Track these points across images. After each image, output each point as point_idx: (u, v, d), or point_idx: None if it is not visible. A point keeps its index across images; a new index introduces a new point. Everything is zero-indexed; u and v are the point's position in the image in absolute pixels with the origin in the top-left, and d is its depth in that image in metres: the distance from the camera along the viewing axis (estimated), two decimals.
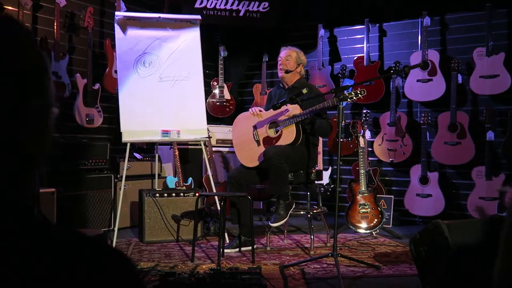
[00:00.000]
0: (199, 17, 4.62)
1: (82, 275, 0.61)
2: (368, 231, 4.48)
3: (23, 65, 0.60)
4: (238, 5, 5.85)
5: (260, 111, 4.18)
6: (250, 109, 4.23)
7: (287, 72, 4.07)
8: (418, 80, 5.16)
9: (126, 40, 4.38)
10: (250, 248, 3.82)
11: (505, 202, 4.45)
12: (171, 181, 4.89)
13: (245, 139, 4.15)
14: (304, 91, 3.71)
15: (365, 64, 5.54)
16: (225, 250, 3.86)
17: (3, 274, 0.57)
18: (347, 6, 5.76)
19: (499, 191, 4.59)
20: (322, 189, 5.41)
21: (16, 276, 0.58)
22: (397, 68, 5.22)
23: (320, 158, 4.82)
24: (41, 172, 0.65)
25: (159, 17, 4.50)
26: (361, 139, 4.69)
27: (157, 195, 4.37)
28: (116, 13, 4.48)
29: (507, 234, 0.67)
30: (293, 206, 3.95)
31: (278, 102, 3.82)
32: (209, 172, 4.63)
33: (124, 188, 4.46)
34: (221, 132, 5.59)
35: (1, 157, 0.59)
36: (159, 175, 4.98)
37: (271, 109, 3.96)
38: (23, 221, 0.63)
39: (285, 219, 3.85)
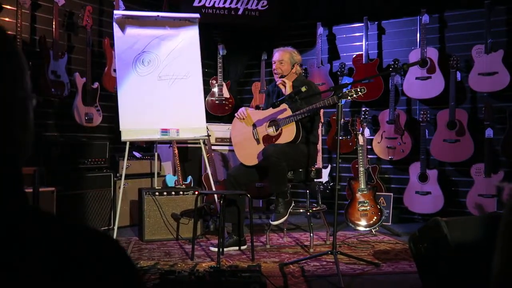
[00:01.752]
0: (197, 15, 4.61)
1: (80, 266, 0.64)
2: (367, 229, 4.48)
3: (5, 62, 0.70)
4: (236, 3, 5.85)
5: (247, 109, 4.19)
6: (236, 114, 4.23)
7: (281, 77, 4.06)
8: (417, 78, 5.16)
9: (125, 39, 4.38)
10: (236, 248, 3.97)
11: (503, 198, 4.45)
12: (171, 180, 4.89)
13: (244, 138, 4.15)
14: (303, 89, 3.71)
15: (364, 62, 5.54)
16: (225, 249, 3.88)
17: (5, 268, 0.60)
18: (345, 4, 5.76)
19: (497, 187, 4.60)
20: (322, 187, 5.41)
21: (18, 269, 0.60)
22: (396, 65, 5.23)
23: (319, 156, 4.82)
24: (25, 159, 0.73)
25: (158, 15, 4.50)
26: (360, 137, 4.70)
27: (157, 193, 4.38)
28: (115, 12, 4.47)
29: (504, 231, 0.67)
30: (292, 204, 3.95)
31: (277, 100, 3.82)
32: (209, 171, 4.63)
33: (124, 187, 4.46)
34: (220, 130, 5.59)
35: None
36: (158, 173, 4.99)
37: (270, 108, 3.96)
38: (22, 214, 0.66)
39: (285, 217, 3.86)
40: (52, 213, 0.70)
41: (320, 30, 5.83)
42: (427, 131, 5.06)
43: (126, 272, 0.69)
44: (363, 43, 5.56)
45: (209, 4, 5.81)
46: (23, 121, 0.72)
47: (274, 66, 4.08)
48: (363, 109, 5.12)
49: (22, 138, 0.71)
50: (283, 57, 4.05)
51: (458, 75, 4.96)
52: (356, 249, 3.99)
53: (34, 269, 0.60)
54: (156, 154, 4.96)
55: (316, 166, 4.18)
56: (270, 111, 4.01)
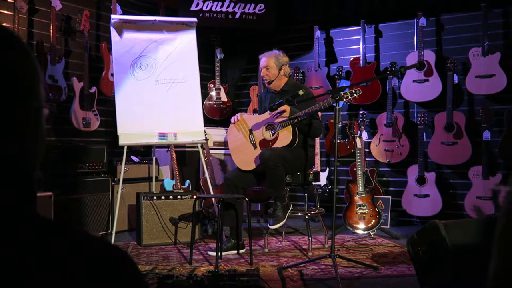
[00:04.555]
0: (195, 19, 4.62)
1: (86, 274, 0.64)
2: (366, 232, 4.48)
3: (22, 72, 0.70)
4: (234, 7, 5.86)
5: (242, 114, 4.20)
6: (232, 118, 4.23)
7: (270, 83, 4.07)
8: (414, 81, 5.17)
9: (122, 43, 4.38)
10: (235, 252, 3.98)
11: (499, 201, 4.46)
12: (169, 184, 4.88)
13: (241, 143, 4.14)
14: (301, 92, 3.71)
15: (361, 65, 5.55)
16: (223, 253, 3.87)
17: (9, 272, 0.60)
18: (343, 8, 5.77)
19: (493, 190, 4.61)
20: (320, 190, 5.41)
21: (23, 275, 0.60)
22: (393, 68, 5.24)
23: (317, 159, 4.82)
24: (37, 168, 0.73)
25: (155, 20, 4.50)
26: (358, 140, 4.70)
27: (155, 198, 4.37)
28: (112, 16, 4.48)
29: (501, 235, 0.67)
30: (291, 208, 3.95)
31: (274, 104, 3.82)
32: (207, 175, 4.63)
33: (122, 191, 4.45)
34: (218, 134, 5.58)
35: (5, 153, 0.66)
36: (156, 178, 4.98)
37: (268, 111, 3.96)
38: (26, 220, 0.66)
39: (284, 221, 3.85)
40: (62, 223, 0.69)
41: (317, 33, 5.84)
42: (424, 133, 5.07)
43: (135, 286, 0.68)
44: (360, 46, 5.57)
45: (206, 8, 5.81)
46: (36, 133, 0.71)
47: (261, 73, 4.11)
48: (361, 112, 5.12)
49: (33, 151, 0.70)
50: (268, 63, 4.05)
51: (455, 77, 4.97)
52: (354, 252, 3.98)
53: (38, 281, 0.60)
54: (154, 158, 4.95)
55: (314, 169, 4.18)
56: (266, 115, 4.01)
